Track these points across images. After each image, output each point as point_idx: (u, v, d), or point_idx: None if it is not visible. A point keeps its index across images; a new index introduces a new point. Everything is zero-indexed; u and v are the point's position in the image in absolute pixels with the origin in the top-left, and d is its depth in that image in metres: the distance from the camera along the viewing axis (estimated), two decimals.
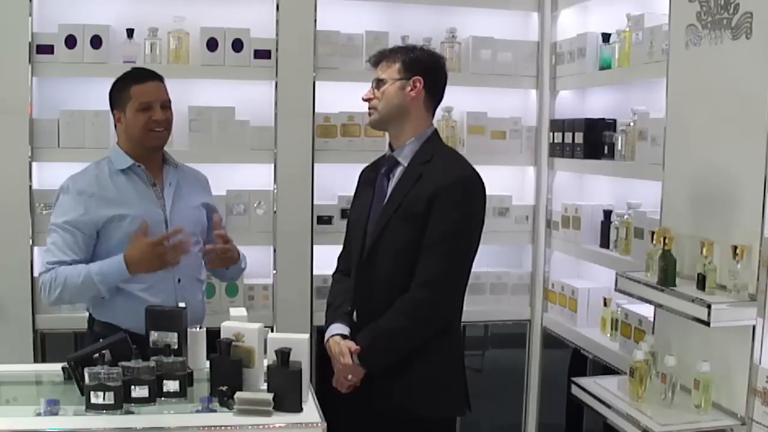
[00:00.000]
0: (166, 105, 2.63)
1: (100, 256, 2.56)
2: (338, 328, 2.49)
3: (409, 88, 2.44)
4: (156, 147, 2.65)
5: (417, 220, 2.37)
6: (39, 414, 2.04)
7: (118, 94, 2.62)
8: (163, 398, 2.17)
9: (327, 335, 2.50)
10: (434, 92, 2.50)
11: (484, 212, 2.46)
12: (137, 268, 2.49)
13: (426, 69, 2.47)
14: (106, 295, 2.52)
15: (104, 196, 2.57)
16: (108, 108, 2.70)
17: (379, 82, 2.47)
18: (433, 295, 2.36)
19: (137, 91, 2.58)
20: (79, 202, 2.55)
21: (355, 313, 2.50)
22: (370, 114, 2.51)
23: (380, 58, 2.50)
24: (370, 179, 2.59)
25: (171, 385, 2.18)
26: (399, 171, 2.48)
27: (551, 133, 3.74)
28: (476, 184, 2.43)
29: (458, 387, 2.50)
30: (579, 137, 3.46)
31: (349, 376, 2.42)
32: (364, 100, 2.51)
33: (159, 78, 2.64)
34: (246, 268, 2.89)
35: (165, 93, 2.64)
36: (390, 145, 2.54)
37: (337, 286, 2.64)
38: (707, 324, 2.23)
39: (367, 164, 2.69)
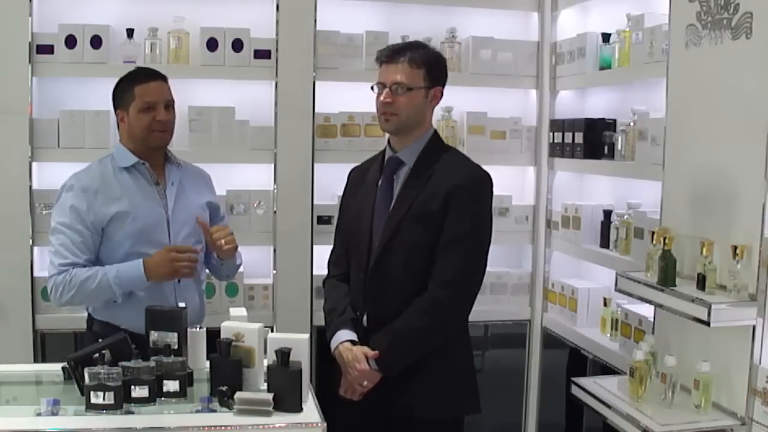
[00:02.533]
0: (170, 105, 2.63)
1: (102, 254, 2.56)
2: (346, 334, 2.45)
3: (431, 98, 2.44)
4: (158, 147, 2.65)
5: (431, 220, 2.36)
6: (39, 414, 2.04)
7: (121, 93, 2.61)
8: (163, 398, 2.17)
9: (334, 343, 2.46)
10: (441, 96, 2.51)
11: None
12: (153, 272, 2.50)
13: (443, 76, 2.47)
14: (119, 299, 2.52)
15: (109, 193, 2.56)
16: (108, 108, 2.70)
17: (407, 90, 2.38)
18: (454, 294, 2.36)
19: (141, 91, 2.57)
20: (83, 199, 2.54)
21: (365, 318, 2.47)
22: (387, 119, 2.42)
23: (397, 55, 2.40)
24: (365, 180, 2.56)
25: (171, 385, 2.18)
26: (404, 172, 2.46)
27: (551, 133, 3.74)
28: (488, 182, 2.44)
29: (472, 384, 2.51)
30: (579, 137, 3.46)
31: (365, 383, 2.39)
32: (385, 102, 2.40)
33: (163, 78, 2.63)
34: (241, 264, 2.88)
35: (168, 93, 2.64)
36: (390, 146, 2.52)
37: (334, 292, 2.58)
38: (707, 324, 2.23)
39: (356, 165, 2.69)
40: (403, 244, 2.40)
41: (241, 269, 3.39)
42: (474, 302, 2.49)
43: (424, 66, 2.40)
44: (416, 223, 2.38)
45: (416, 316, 2.35)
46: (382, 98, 2.41)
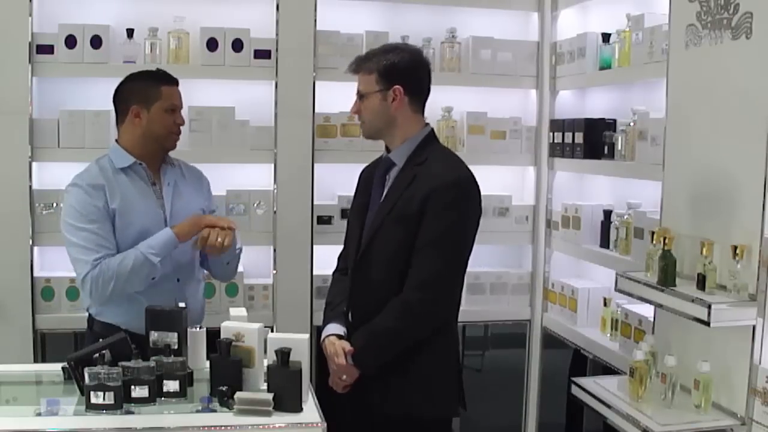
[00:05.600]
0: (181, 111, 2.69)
1: None
2: (334, 328, 2.50)
3: (391, 99, 2.42)
4: (170, 149, 2.68)
5: (410, 222, 2.36)
6: (39, 414, 2.05)
7: (144, 90, 2.61)
8: (163, 398, 2.17)
9: (323, 335, 2.51)
10: (418, 93, 2.47)
11: (479, 213, 2.46)
12: (182, 228, 2.54)
13: (403, 74, 2.43)
14: (158, 271, 2.52)
15: (112, 190, 2.57)
16: (108, 108, 2.69)
17: (361, 97, 2.46)
18: (426, 296, 2.36)
19: (168, 93, 2.61)
20: (94, 195, 2.54)
21: (350, 314, 2.50)
22: (361, 127, 2.52)
23: (357, 67, 2.47)
24: (369, 179, 2.58)
25: (171, 385, 2.18)
26: (394, 173, 2.48)
27: (551, 133, 3.74)
28: (470, 185, 2.43)
29: (452, 387, 2.50)
30: (579, 137, 3.46)
31: (344, 377, 2.42)
32: (352, 113, 2.52)
33: (178, 84, 2.69)
34: (241, 251, 2.83)
35: (182, 99, 2.70)
36: (386, 147, 2.54)
37: (335, 285, 2.64)
38: (707, 324, 2.23)
39: (366, 164, 2.70)
40: (383, 245, 2.42)
41: (241, 268, 3.39)
42: (455, 303, 2.49)
43: (375, 70, 2.42)
44: (397, 224, 2.39)
45: (390, 318, 2.37)
46: (350, 110, 2.53)
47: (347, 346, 2.41)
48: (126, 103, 2.63)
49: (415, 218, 2.36)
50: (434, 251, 2.35)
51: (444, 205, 2.35)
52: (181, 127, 2.70)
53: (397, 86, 2.41)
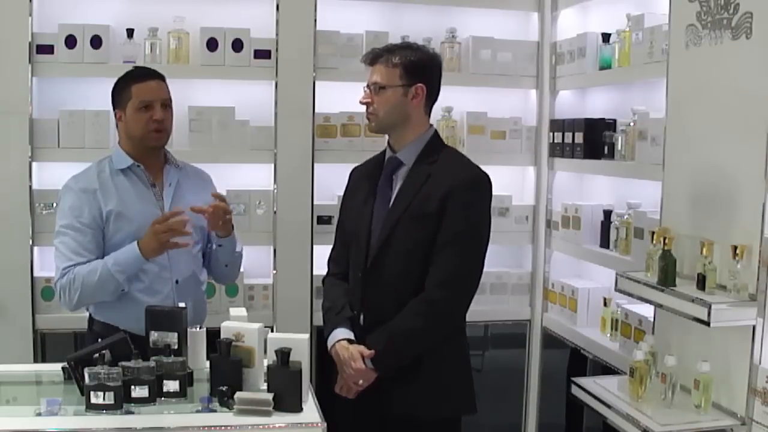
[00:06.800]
0: (167, 104, 2.62)
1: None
2: (343, 332, 2.45)
3: (412, 96, 2.42)
4: (156, 147, 2.64)
5: (429, 220, 2.36)
6: (39, 414, 2.04)
7: (119, 93, 2.61)
8: (163, 398, 2.17)
9: (331, 341, 2.47)
10: (433, 94, 2.49)
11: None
12: (146, 250, 2.48)
13: (427, 73, 2.44)
14: (126, 285, 2.51)
15: (106, 193, 2.57)
16: (108, 108, 2.70)
17: (380, 89, 2.42)
18: (450, 295, 2.36)
19: (138, 90, 2.57)
20: (83, 200, 2.55)
21: (362, 317, 2.47)
22: (369, 119, 2.48)
23: (376, 58, 2.45)
24: (366, 180, 2.56)
25: (171, 385, 2.18)
26: (403, 172, 2.47)
27: (551, 133, 3.74)
28: (487, 183, 2.44)
29: (467, 386, 2.50)
30: (579, 137, 3.46)
31: (360, 381, 2.39)
32: (363, 103, 2.47)
33: (160, 77, 2.63)
34: (242, 255, 2.84)
35: (166, 92, 2.63)
36: (390, 147, 2.53)
37: (333, 290, 2.59)
38: (707, 324, 2.23)
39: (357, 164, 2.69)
40: (399, 244, 2.40)
41: (241, 269, 3.39)
42: (471, 302, 2.48)
43: (401, 65, 2.41)
44: (413, 223, 2.38)
45: (413, 317, 2.36)
46: (360, 99, 2.48)
47: (364, 349, 2.38)
48: (113, 108, 2.64)
49: (434, 216, 2.35)
50: (457, 249, 2.35)
51: (465, 204, 2.36)
52: (175, 125, 2.67)
53: (420, 84, 2.42)
